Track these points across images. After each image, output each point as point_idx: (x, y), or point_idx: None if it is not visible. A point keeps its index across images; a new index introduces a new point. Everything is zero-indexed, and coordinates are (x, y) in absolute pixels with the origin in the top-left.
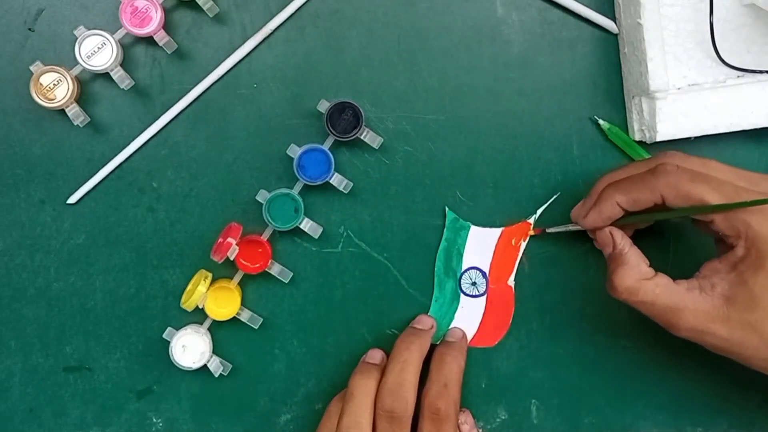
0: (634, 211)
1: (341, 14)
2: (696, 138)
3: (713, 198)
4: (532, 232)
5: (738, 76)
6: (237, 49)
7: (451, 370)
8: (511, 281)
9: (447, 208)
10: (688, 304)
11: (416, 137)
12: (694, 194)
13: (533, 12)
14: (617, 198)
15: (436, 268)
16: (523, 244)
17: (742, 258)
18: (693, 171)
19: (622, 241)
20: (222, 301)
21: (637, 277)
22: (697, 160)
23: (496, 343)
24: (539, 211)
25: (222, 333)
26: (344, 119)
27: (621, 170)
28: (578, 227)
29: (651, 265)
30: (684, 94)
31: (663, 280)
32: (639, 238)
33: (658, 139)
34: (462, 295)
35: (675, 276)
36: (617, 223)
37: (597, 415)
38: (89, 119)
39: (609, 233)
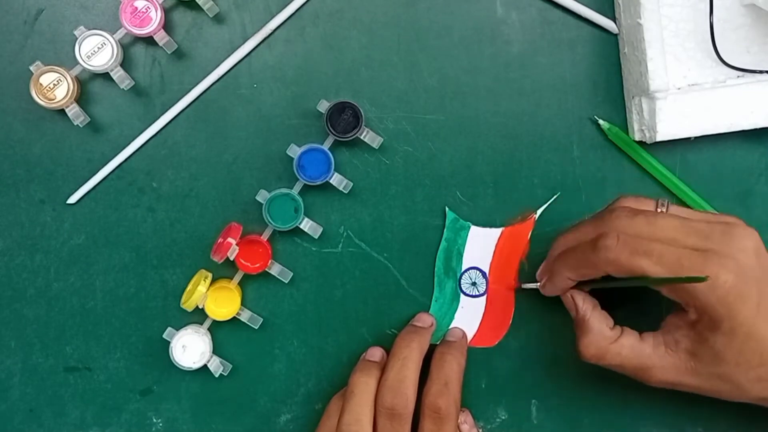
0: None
1: (341, 14)
2: (696, 138)
3: (655, 271)
4: (514, 284)
5: (738, 76)
6: (237, 49)
7: (451, 369)
8: (511, 282)
9: (447, 208)
10: (656, 362)
11: (416, 137)
12: (636, 269)
13: (533, 12)
14: (566, 273)
15: (436, 268)
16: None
17: (697, 321)
18: (634, 242)
19: (584, 305)
20: (222, 301)
21: (601, 343)
22: (642, 219)
23: (496, 343)
24: (539, 211)
25: (222, 333)
26: (344, 119)
27: (572, 233)
28: None
29: (618, 322)
30: (684, 94)
31: (628, 340)
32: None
33: (658, 139)
34: (462, 295)
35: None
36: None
37: (597, 415)
38: (89, 119)
39: (570, 298)
